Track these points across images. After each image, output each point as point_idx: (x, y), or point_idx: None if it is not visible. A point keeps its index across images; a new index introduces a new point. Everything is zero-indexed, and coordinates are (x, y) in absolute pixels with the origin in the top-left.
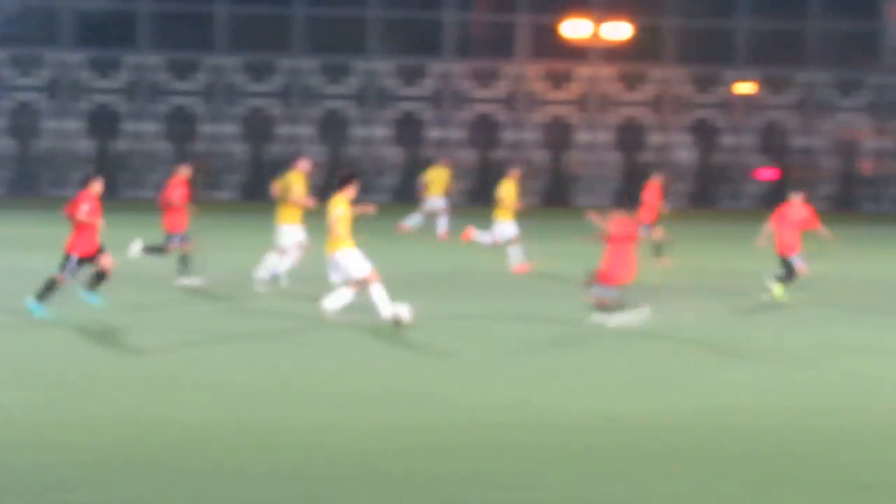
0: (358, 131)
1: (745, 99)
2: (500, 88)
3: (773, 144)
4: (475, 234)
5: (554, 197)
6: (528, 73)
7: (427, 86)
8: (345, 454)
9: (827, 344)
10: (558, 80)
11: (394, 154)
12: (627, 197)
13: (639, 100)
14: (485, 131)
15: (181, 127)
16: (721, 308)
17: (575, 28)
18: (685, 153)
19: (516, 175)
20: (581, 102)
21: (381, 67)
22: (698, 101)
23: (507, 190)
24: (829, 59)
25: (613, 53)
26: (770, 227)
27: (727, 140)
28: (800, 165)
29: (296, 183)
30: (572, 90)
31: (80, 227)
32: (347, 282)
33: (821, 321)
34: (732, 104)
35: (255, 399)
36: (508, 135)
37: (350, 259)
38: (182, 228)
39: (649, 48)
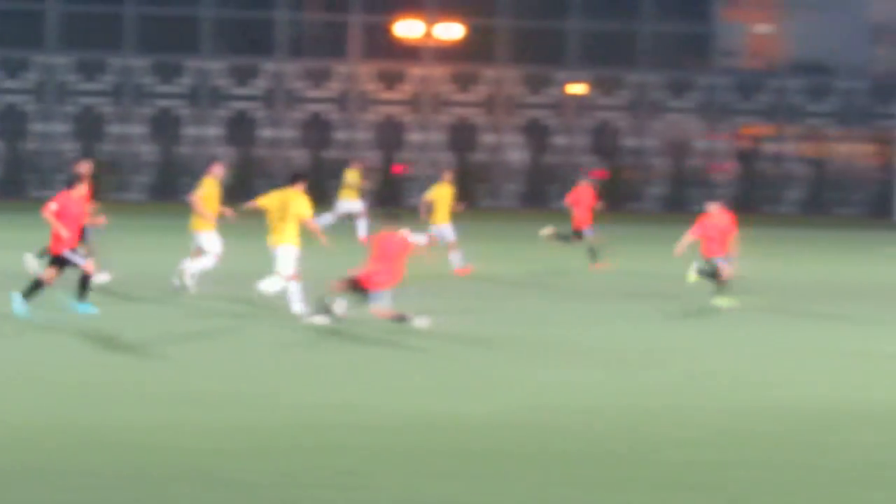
0: (190, 131)
1: (577, 99)
2: (333, 88)
3: (604, 145)
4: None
5: (386, 198)
6: (361, 72)
7: (259, 85)
8: (177, 454)
9: (666, 345)
10: (391, 80)
11: (225, 153)
12: (389, 206)
13: (471, 100)
14: (317, 131)
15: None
16: (564, 309)
17: (407, 28)
18: (517, 153)
19: (448, 178)
20: (413, 102)
21: (214, 67)
22: (530, 101)
23: (439, 194)
24: (660, 61)
25: (446, 54)
26: (691, 236)
27: (559, 140)
28: (631, 166)
29: (207, 189)
30: (404, 90)
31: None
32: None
33: (661, 322)
34: (564, 105)
35: (86, 398)
36: (341, 134)
37: (288, 255)
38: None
39: (481, 49)
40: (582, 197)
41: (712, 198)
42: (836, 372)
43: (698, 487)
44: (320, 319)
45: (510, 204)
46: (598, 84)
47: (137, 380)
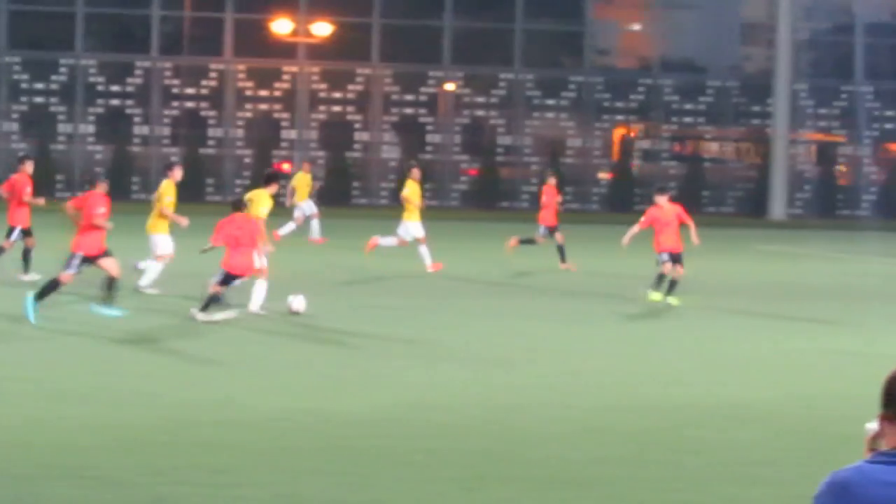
0: (64, 127)
1: (451, 97)
2: (208, 85)
3: (478, 143)
4: (380, 240)
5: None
6: (235, 70)
7: (133, 82)
8: (52, 451)
9: (550, 343)
10: (265, 77)
11: (101, 151)
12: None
13: (345, 98)
14: (192, 128)
15: None
16: (447, 306)
17: (281, 26)
18: (391, 151)
19: (417, 176)
20: (287, 100)
21: (88, 63)
22: (404, 99)
23: (412, 190)
24: (533, 59)
25: (320, 52)
26: (638, 228)
27: (433, 138)
28: (505, 164)
29: (167, 192)
30: (279, 88)
31: (87, 228)
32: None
33: (543, 321)
34: (438, 103)
35: None
36: (215, 132)
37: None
38: (24, 223)
39: (356, 47)
40: (548, 196)
41: (661, 190)
42: (712, 369)
43: (570, 484)
44: (223, 315)
45: (384, 202)
46: (471, 82)
47: (4, 375)
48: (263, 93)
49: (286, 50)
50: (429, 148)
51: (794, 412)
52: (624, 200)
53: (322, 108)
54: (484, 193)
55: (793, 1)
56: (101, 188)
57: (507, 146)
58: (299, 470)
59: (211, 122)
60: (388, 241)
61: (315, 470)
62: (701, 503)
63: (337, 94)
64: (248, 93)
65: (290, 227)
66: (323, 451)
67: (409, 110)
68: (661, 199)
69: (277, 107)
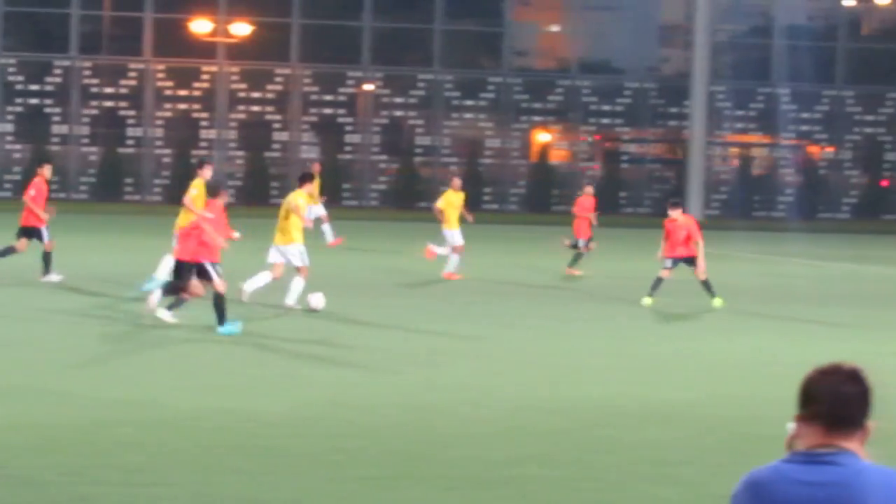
0: None
1: (370, 98)
2: (127, 85)
3: (397, 143)
4: (435, 249)
5: (180, 194)
6: (154, 69)
7: (53, 81)
8: None
9: (464, 345)
10: (184, 77)
11: (20, 150)
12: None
13: (264, 98)
14: (111, 127)
15: None
16: (365, 306)
17: (201, 26)
18: (310, 151)
19: (457, 186)
20: (206, 100)
21: (6, 62)
22: (323, 99)
23: (448, 200)
24: (452, 60)
25: (239, 51)
26: (664, 243)
27: (352, 138)
28: (424, 164)
29: (200, 189)
30: (198, 87)
31: (192, 233)
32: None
33: (464, 322)
34: (357, 103)
35: None
36: (134, 131)
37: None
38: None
39: (275, 47)
40: (584, 205)
41: (674, 204)
42: (629, 369)
43: (484, 484)
44: (166, 315)
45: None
46: (390, 82)
47: None
48: (183, 92)
49: (205, 50)
50: (348, 148)
51: (710, 412)
52: (542, 201)
53: (241, 107)
54: (402, 193)
55: (710, 3)
56: (223, 197)
57: (425, 146)
58: (217, 469)
59: (130, 121)
60: (440, 250)
61: (233, 469)
62: (616, 503)
63: (256, 94)
64: (168, 92)
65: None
66: (241, 451)
67: (328, 110)
68: (675, 213)
69: (196, 106)
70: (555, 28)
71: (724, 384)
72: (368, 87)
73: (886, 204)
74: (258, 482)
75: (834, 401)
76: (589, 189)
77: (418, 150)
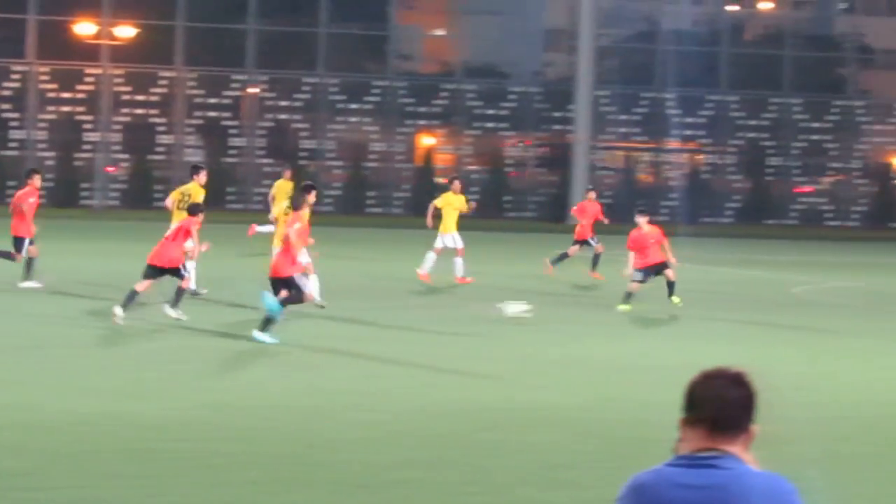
0: None
1: (255, 101)
2: (10, 87)
3: (281, 146)
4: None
5: (64, 197)
6: (38, 72)
7: None
8: None
9: (350, 348)
10: (68, 79)
11: None
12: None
13: (148, 101)
14: None
15: None
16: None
17: (85, 28)
18: (194, 154)
19: (457, 189)
20: (90, 102)
21: None
22: (208, 102)
23: (448, 200)
24: (337, 63)
25: (123, 54)
26: (630, 254)
27: (236, 142)
28: (309, 168)
29: (197, 195)
30: (81, 90)
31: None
32: None
33: (351, 324)
34: (242, 106)
35: None
36: (17, 134)
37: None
38: (31, 234)
39: (159, 50)
40: (588, 210)
41: (641, 212)
42: (516, 373)
43: (369, 488)
44: (119, 313)
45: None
46: (275, 86)
47: None
48: (66, 95)
49: (89, 52)
50: (232, 151)
51: (595, 416)
52: (426, 205)
53: (125, 110)
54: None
55: (595, 8)
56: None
57: (310, 150)
58: (98, 473)
59: (13, 124)
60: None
61: (114, 473)
62: None
63: (140, 97)
64: (51, 95)
65: (268, 228)
66: (122, 454)
67: (212, 113)
68: (641, 220)
69: (80, 109)
70: (440, 32)
71: (610, 388)
72: (253, 90)
73: (771, 209)
74: (140, 486)
75: (717, 404)
76: (591, 194)
77: (303, 154)
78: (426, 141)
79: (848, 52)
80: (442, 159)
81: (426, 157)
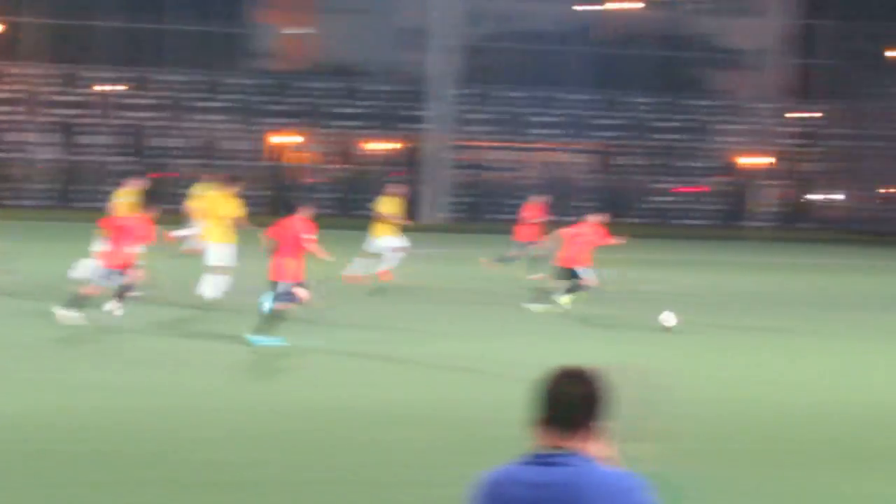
0: None
1: (107, 98)
2: None
3: (134, 144)
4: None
5: None
6: None
7: None
8: None
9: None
10: None
11: None
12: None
13: None
14: None
15: None
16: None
17: None
18: (47, 152)
19: (395, 192)
20: None
21: None
22: (60, 100)
23: (387, 205)
24: (191, 61)
25: None
26: (560, 236)
27: (88, 140)
28: (161, 166)
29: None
30: None
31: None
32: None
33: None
34: (93, 104)
35: None
36: None
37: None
38: None
39: (9, 46)
40: (531, 211)
41: (586, 210)
42: (367, 372)
43: (220, 487)
44: (70, 315)
45: (38, 203)
46: (127, 83)
47: None
48: None
49: None
50: (83, 149)
51: (448, 414)
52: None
53: None
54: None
55: (452, 8)
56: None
57: (162, 148)
58: None
59: None
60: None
61: None
62: None
63: None
64: None
65: (188, 231)
66: None
67: (63, 111)
68: (592, 219)
69: None
70: (295, 31)
71: (465, 387)
72: (104, 87)
73: (622, 207)
74: (5, 488)
75: (557, 402)
76: (535, 197)
77: (155, 152)
78: (279, 139)
79: (700, 52)
80: (294, 157)
81: (278, 155)
